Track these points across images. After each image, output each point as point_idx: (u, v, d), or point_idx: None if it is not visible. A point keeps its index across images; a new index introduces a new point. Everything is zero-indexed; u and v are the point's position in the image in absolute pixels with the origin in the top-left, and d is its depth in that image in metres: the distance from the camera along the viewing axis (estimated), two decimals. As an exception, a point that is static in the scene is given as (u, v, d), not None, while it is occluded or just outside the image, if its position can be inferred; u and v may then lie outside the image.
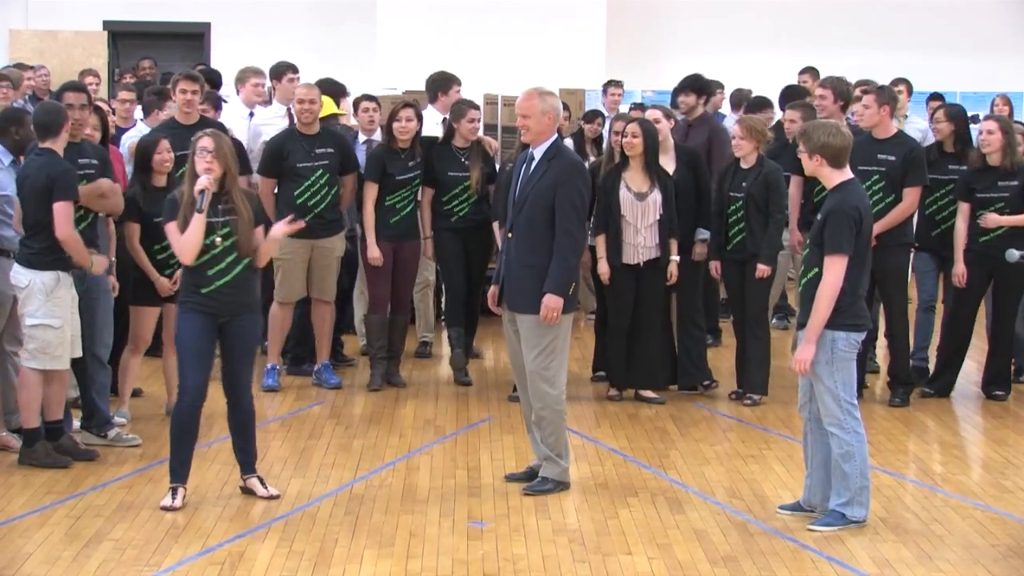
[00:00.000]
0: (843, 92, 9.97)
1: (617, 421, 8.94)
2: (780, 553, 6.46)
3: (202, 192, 6.89)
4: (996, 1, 17.33)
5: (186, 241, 6.90)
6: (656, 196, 9.22)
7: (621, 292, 9.31)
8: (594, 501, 7.21)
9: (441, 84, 11.04)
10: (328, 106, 10.24)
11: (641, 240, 9.23)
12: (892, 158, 9.30)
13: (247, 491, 7.20)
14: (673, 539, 6.63)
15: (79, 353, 7.79)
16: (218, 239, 6.94)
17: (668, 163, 9.52)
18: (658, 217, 9.21)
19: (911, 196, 9.36)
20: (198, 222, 6.87)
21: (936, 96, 13.38)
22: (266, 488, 7.20)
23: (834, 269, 6.68)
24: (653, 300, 9.38)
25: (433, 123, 10.60)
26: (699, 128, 10.62)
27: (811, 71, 13.84)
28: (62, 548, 6.40)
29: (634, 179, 9.24)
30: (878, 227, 9.14)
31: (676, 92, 11.04)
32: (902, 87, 12.47)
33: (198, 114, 9.78)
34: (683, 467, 7.96)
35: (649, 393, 9.45)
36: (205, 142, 6.96)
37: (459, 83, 11.03)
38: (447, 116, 10.29)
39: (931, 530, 6.85)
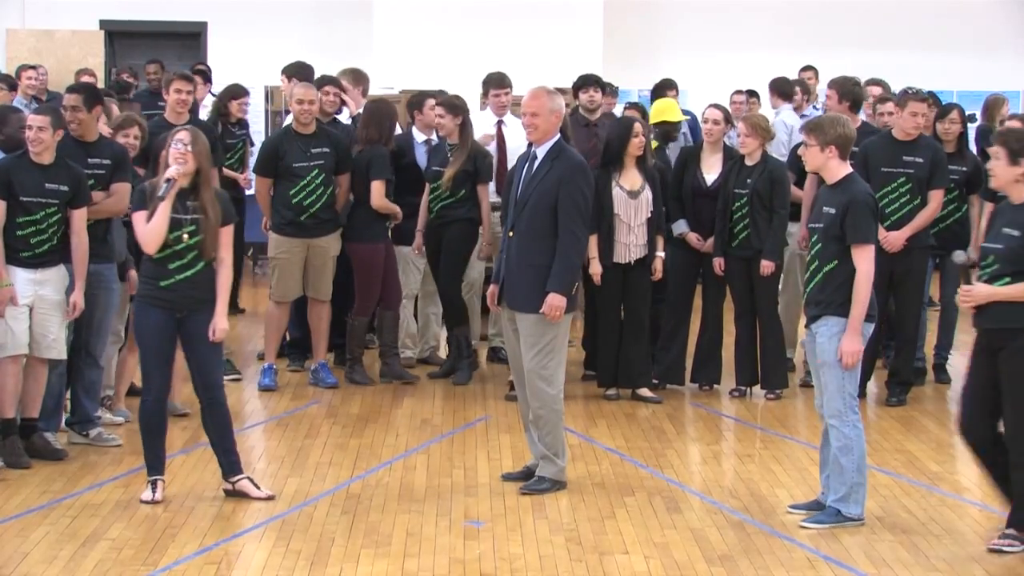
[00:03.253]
0: (848, 92, 9.85)
1: (614, 420, 8.94)
2: (777, 552, 6.46)
3: (168, 180, 6.85)
4: (996, 1, 17.33)
5: (151, 229, 6.85)
6: (648, 194, 9.23)
7: (610, 291, 9.31)
8: (591, 500, 7.20)
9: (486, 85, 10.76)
10: (671, 110, 10.25)
11: (633, 238, 9.23)
12: (920, 160, 9.26)
13: (238, 494, 7.12)
14: (670, 538, 6.63)
15: (24, 350, 7.60)
16: (185, 235, 6.89)
17: (716, 165, 9.56)
18: (649, 215, 9.23)
19: (937, 198, 9.34)
20: (163, 211, 6.82)
21: (931, 95, 13.31)
22: (259, 489, 7.15)
23: (866, 258, 6.73)
24: (641, 298, 9.38)
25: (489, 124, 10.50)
26: None
27: (811, 69, 13.82)
28: (59, 547, 6.39)
29: (626, 178, 9.25)
30: (909, 230, 9.18)
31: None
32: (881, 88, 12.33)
33: (188, 115, 9.79)
34: (680, 466, 7.96)
35: (646, 392, 9.44)
36: (183, 135, 6.94)
37: (497, 84, 10.59)
38: (500, 117, 10.44)
39: (928, 529, 6.85)
